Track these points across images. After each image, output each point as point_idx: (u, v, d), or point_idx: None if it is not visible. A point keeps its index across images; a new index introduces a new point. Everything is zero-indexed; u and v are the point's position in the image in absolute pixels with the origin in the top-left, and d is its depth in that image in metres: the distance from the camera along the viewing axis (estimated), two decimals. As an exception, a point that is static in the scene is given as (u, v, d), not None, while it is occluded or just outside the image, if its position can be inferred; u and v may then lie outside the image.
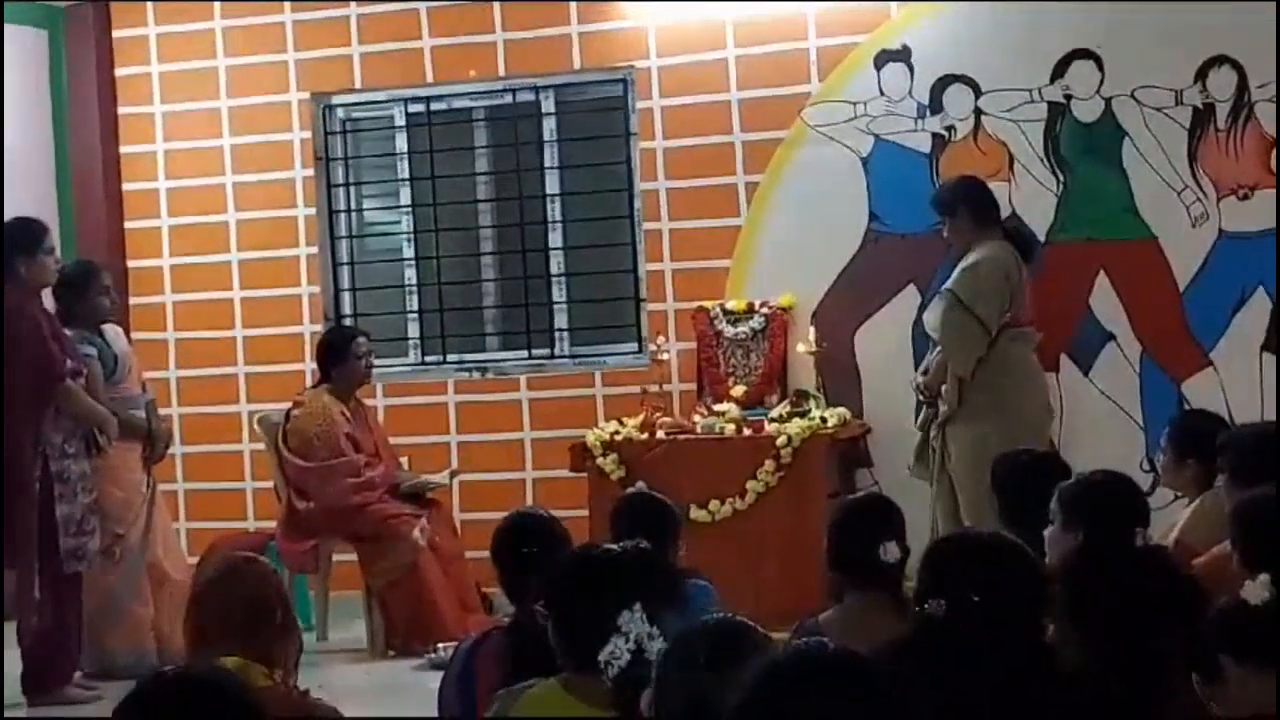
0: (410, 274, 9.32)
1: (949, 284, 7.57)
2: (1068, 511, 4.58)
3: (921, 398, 7.69)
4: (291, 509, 8.22)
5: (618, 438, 8.15)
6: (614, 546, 3.68)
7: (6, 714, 6.93)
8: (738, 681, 2.38)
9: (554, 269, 9.11)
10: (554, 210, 9.10)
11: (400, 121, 9.30)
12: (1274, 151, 7.91)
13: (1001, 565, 3.44)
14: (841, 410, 8.23)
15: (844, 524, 4.59)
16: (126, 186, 9.52)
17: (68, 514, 7.16)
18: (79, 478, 7.23)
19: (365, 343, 8.39)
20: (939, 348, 7.65)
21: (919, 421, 7.75)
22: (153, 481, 7.89)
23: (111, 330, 7.88)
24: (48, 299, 7.52)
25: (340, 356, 8.31)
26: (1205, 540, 5.06)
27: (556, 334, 9.12)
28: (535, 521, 4.75)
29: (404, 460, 8.63)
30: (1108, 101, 8.10)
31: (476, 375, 9.18)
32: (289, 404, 8.36)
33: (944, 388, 7.56)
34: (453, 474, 8.59)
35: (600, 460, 8.09)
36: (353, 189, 9.49)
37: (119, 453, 7.58)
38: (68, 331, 7.47)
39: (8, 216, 7.37)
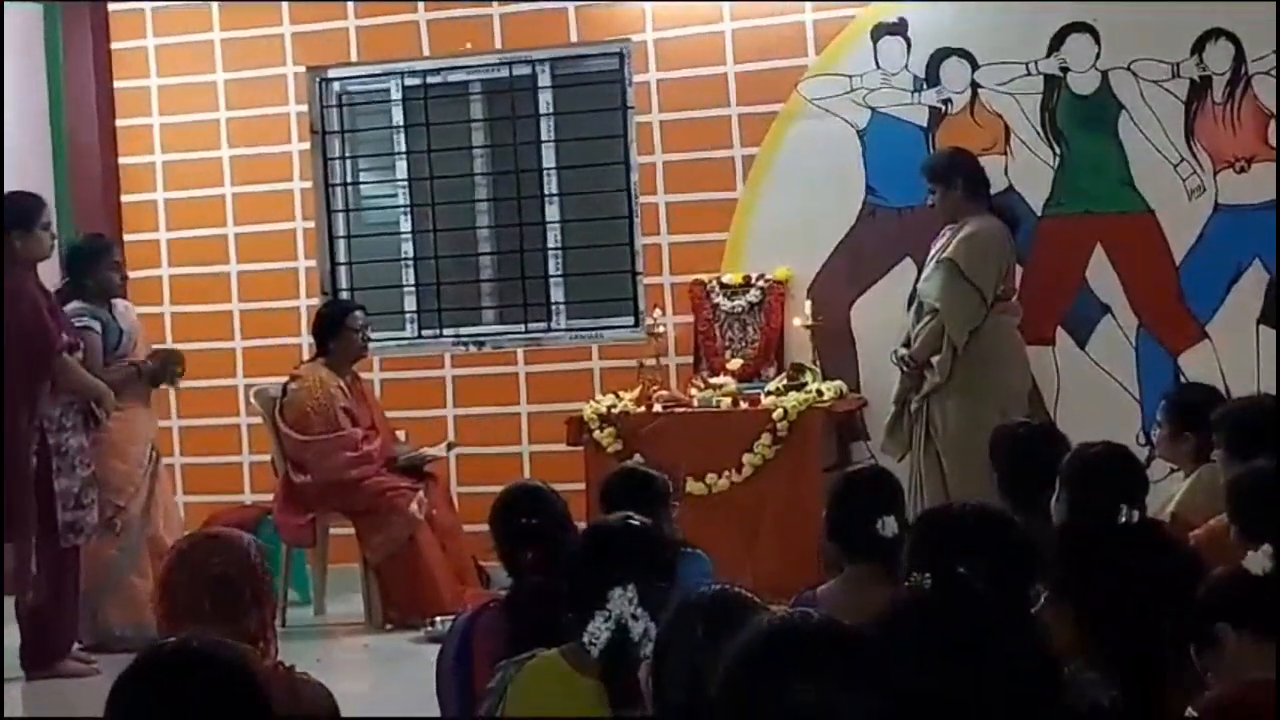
0: (407, 247, 9.32)
1: (948, 253, 7.60)
2: (1060, 483, 4.60)
3: (905, 369, 7.70)
4: (288, 483, 8.23)
5: (614, 411, 8.15)
6: (629, 521, 3.67)
7: (5, 687, 6.94)
8: (726, 650, 2.39)
9: (551, 243, 9.10)
10: (550, 184, 9.09)
11: (397, 95, 9.29)
12: (1271, 124, 7.90)
13: (989, 538, 3.44)
14: (838, 383, 8.24)
15: (843, 497, 4.60)
16: (123, 161, 9.50)
17: (66, 488, 7.17)
18: (77, 451, 7.24)
19: (362, 316, 8.40)
20: (925, 319, 7.67)
21: (895, 394, 7.76)
22: (155, 455, 7.92)
23: (121, 304, 7.93)
24: (46, 275, 7.53)
25: (337, 330, 8.32)
26: (1202, 513, 5.07)
27: (553, 307, 9.12)
28: (533, 493, 4.74)
29: (401, 434, 8.64)
30: (1104, 74, 8.09)
31: (473, 349, 9.18)
32: (285, 378, 8.36)
33: (936, 359, 7.59)
34: (450, 446, 8.60)
35: (597, 434, 8.10)
36: (349, 162, 9.48)
37: (122, 425, 7.62)
38: (78, 303, 7.54)
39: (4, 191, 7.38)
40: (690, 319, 8.61)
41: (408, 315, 9.31)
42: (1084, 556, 4.20)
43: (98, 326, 7.64)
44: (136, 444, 7.78)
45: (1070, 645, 3.55)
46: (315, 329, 8.45)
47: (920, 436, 7.64)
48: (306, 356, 8.59)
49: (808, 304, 8.34)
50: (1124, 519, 4.27)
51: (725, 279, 8.56)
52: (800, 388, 8.11)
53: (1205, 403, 5.81)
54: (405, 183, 9.31)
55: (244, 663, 2.59)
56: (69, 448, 7.21)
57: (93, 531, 7.34)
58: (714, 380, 8.31)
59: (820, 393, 8.08)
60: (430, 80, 9.22)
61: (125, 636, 7.48)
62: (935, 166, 7.86)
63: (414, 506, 8.05)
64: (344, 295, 9.22)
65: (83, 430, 7.28)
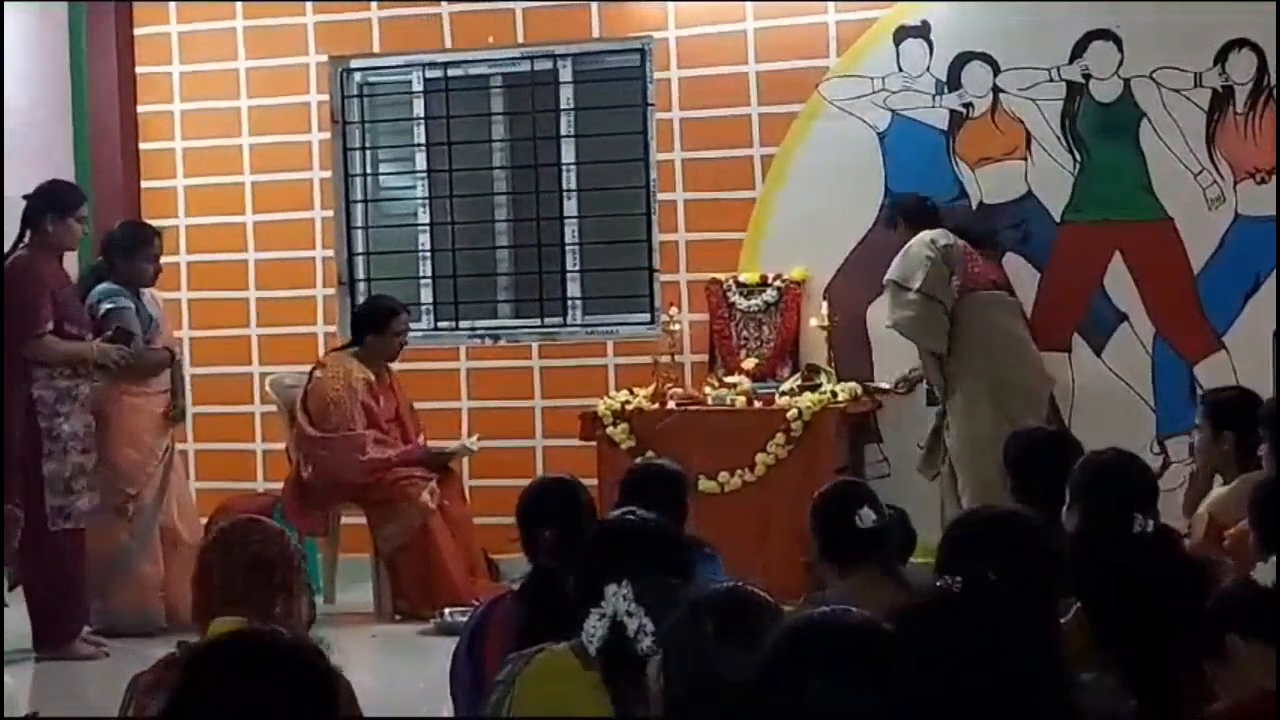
0: (424, 239, 9.32)
1: (886, 276, 7.73)
2: (1072, 491, 4.60)
3: (898, 392, 7.95)
4: (299, 474, 8.23)
5: (628, 407, 8.16)
6: (631, 517, 3.67)
7: (6, 667, 6.95)
8: (758, 647, 2.38)
9: (568, 238, 9.10)
10: (569, 179, 9.09)
11: (418, 87, 9.29)
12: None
13: (1017, 544, 3.44)
14: (852, 385, 8.23)
15: (817, 508, 4.66)
16: (143, 146, 9.51)
17: (54, 472, 7.21)
18: (70, 437, 7.26)
19: (405, 320, 8.41)
20: None
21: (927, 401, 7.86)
22: (171, 445, 7.94)
23: (149, 293, 7.98)
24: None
25: (378, 328, 8.31)
26: (1236, 515, 5.01)
27: (569, 302, 9.12)
28: (560, 487, 4.76)
29: (415, 426, 8.64)
30: (1126, 82, 8.08)
31: (489, 342, 9.18)
32: (300, 366, 8.37)
33: (931, 374, 7.73)
34: (478, 438, 8.58)
35: (610, 430, 8.10)
36: (369, 153, 9.48)
37: (136, 414, 7.70)
38: (108, 284, 7.64)
39: (24, 177, 7.44)
40: (706, 317, 8.61)
41: (424, 307, 9.30)
42: (1096, 564, 4.20)
43: (131, 305, 7.73)
44: (151, 433, 7.80)
45: (1082, 652, 3.55)
46: (356, 319, 8.48)
47: (942, 450, 7.73)
48: (324, 346, 8.60)
49: (824, 305, 8.34)
50: (1139, 528, 4.26)
51: (742, 278, 8.56)
52: (815, 388, 8.11)
53: (1243, 402, 5.75)
54: (424, 174, 9.31)
55: (318, 655, 2.58)
56: (61, 432, 7.24)
57: (83, 517, 7.33)
58: (728, 379, 8.31)
59: (835, 394, 8.08)
60: (451, 73, 9.22)
61: (131, 622, 7.53)
62: (889, 208, 8.12)
63: (426, 496, 8.03)
64: (361, 286, 9.24)
65: (80, 415, 7.30)
